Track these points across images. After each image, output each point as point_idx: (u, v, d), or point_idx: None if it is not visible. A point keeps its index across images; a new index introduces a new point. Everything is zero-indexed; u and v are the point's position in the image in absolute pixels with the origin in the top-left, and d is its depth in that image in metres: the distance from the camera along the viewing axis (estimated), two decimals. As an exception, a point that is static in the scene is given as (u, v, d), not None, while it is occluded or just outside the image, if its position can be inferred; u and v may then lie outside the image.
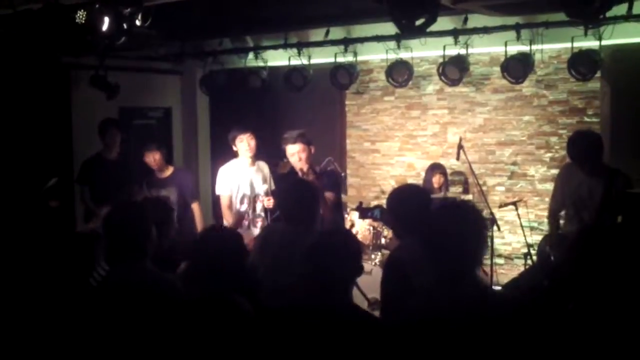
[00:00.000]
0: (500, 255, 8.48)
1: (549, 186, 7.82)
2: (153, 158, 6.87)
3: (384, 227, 7.13)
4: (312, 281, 3.21)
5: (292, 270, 4.15)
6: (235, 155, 6.57)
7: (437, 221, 3.07)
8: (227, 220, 6.52)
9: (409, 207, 4.12)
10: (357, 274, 3.30)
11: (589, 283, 2.76)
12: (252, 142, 6.45)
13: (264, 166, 6.71)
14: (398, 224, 4.25)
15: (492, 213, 7.48)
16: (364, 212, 7.51)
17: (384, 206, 7.94)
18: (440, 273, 2.97)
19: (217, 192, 6.59)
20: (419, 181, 8.51)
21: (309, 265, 3.23)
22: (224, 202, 6.52)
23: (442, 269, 2.97)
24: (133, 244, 3.50)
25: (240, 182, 6.48)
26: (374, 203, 8.74)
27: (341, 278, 3.22)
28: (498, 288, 6.92)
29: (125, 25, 5.21)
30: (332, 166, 8.23)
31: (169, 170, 6.97)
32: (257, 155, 6.64)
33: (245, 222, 6.45)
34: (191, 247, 3.48)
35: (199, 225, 7.05)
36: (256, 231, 6.28)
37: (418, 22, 4.47)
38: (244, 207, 6.46)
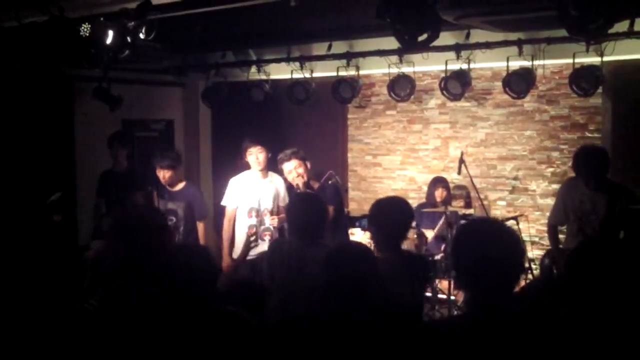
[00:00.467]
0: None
1: (550, 201, 7.82)
2: (163, 175, 6.79)
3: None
4: (331, 290, 3.20)
5: (302, 283, 4.17)
6: (247, 166, 6.57)
7: (468, 238, 2.82)
8: (225, 232, 6.51)
9: (390, 220, 4.11)
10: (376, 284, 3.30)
11: (585, 296, 2.74)
12: (261, 156, 6.42)
13: (278, 180, 6.63)
14: (379, 236, 4.23)
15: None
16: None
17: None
18: (471, 296, 2.76)
19: (223, 202, 6.58)
20: (421, 195, 8.51)
21: (328, 274, 3.23)
22: (226, 215, 6.52)
23: (474, 292, 2.74)
24: (151, 263, 3.50)
25: (249, 194, 6.46)
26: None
27: (361, 287, 3.21)
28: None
29: (129, 39, 5.23)
30: (334, 179, 8.24)
31: (180, 185, 6.91)
32: (271, 168, 6.62)
33: (252, 236, 6.44)
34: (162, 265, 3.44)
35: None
36: (264, 245, 6.28)
37: (421, 38, 4.48)
38: (251, 221, 6.43)
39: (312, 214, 4.50)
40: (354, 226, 7.38)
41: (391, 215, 4.13)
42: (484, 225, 2.97)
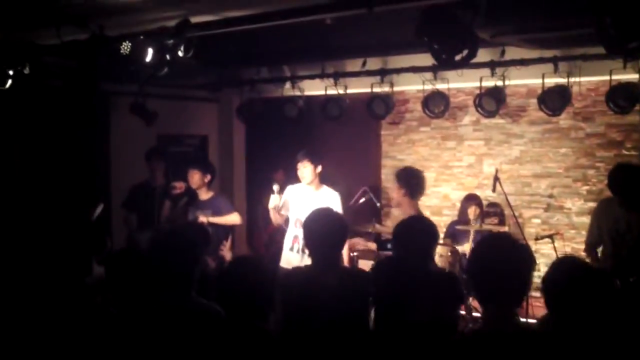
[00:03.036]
0: (536, 289, 8.38)
1: (586, 219, 7.73)
2: (191, 177, 6.94)
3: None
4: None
5: (317, 316, 3.99)
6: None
7: (479, 254, 3.03)
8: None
9: (414, 239, 4.08)
10: None
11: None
12: (305, 171, 6.40)
13: (332, 195, 6.46)
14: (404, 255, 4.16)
15: (528, 246, 7.40)
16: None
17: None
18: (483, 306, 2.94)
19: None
20: (454, 212, 8.47)
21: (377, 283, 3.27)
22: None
23: (484, 302, 2.93)
24: (180, 272, 3.53)
25: (298, 205, 6.42)
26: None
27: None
28: (533, 321, 6.84)
29: (167, 56, 5.31)
30: (367, 196, 8.24)
31: (209, 194, 7.04)
32: (328, 183, 6.56)
33: (296, 245, 6.39)
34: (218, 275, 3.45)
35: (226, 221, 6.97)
36: (306, 258, 6.31)
37: (458, 57, 4.48)
38: (297, 231, 6.34)
39: (327, 233, 4.13)
40: (384, 249, 7.30)
41: (415, 234, 4.10)
42: (493, 241, 3.16)
